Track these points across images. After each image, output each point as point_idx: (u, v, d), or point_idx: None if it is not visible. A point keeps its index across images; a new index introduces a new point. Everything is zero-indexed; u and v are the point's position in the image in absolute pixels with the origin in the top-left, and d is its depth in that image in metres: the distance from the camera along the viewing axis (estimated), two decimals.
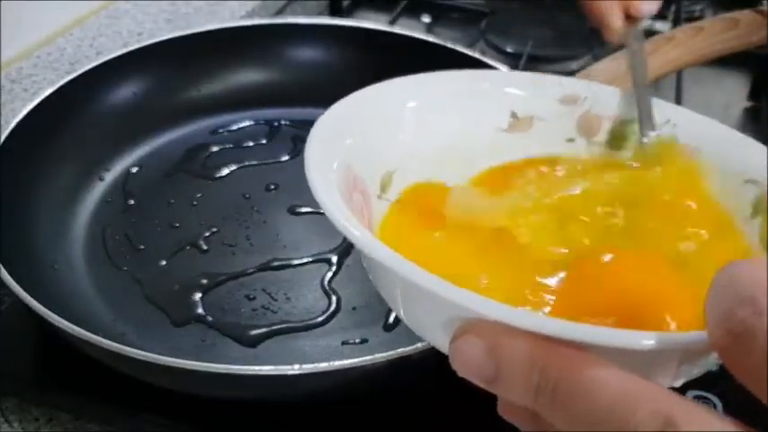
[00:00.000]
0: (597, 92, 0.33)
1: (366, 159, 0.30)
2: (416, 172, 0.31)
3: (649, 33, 0.56)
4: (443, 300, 0.21)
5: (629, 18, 0.38)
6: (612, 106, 0.33)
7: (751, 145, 0.30)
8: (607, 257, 0.27)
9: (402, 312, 0.26)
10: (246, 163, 0.59)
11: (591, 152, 0.33)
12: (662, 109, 0.33)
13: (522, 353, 0.21)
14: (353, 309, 0.48)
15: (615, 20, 0.38)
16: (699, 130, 0.32)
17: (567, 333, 0.20)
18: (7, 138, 0.52)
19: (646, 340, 0.20)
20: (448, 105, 0.33)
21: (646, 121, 0.33)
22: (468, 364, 0.22)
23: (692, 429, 0.19)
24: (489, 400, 0.43)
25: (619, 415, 0.19)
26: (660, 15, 0.79)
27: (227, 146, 0.61)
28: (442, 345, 0.23)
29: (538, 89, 0.33)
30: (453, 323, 0.22)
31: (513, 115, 0.33)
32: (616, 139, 0.33)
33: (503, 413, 0.24)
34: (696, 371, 0.23)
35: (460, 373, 0.22)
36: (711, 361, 0.22)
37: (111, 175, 0.58)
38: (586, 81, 0.34)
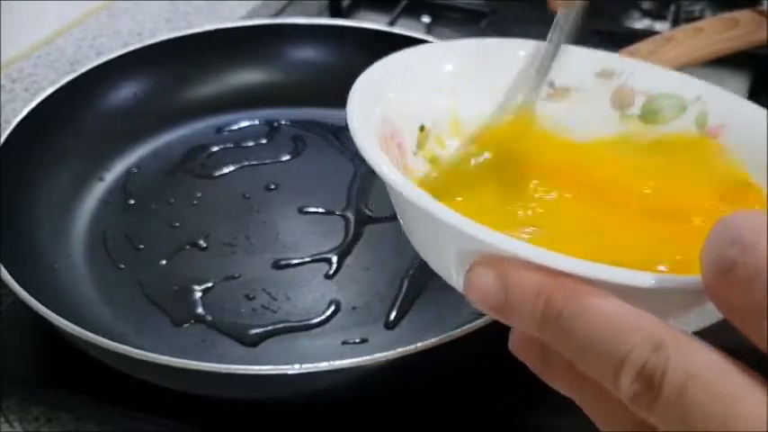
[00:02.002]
0: (633, 67, 0.34)
1: (404, 116, 0.31)
2: (452, 134, 0.33)
3: (649, 33, 0.56)
4: (460, 233, 0.23)
5: None
6: (647, 81, 0.34)
7: None
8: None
9: (425, 251, 0.28)
10: (246, 163, 0.59)
11: (624, 125, 0.34)
12: (692, 85, 0.34)
13: (530, 283, 0.22)
14: (353, 309, 0.48)
15: None
16: (727, 107, 0.33)
17: (569, 267, 0.22)
18: (8, 137, 0.52)
19: (643, 278, 0.21)
20: (484, 71, 0.34)
21: (540, 77, 0.34)
22: (480, 293, 0.23)
23: (680, 352, 0.20)
24: (489, 400, 0.43)
25: (614, 338, 0.21)
26: (660, 15, 0.79)
27: (228, 146, 0.61)
28: (458, 282, 0.25)
29: (575, 61, 0.34)
30: (469, 257, 0.24)
31: (551, 85, 0.34)
32: (649, 113, 0.34)
33: (513, 349, 0.26)
34: (707, 319, 0.24)
35: (473, 303, 0.24)
36: (708, 315, 0.23)
37: (112, 174, 0.58)
38: (623, 56, 0.35)
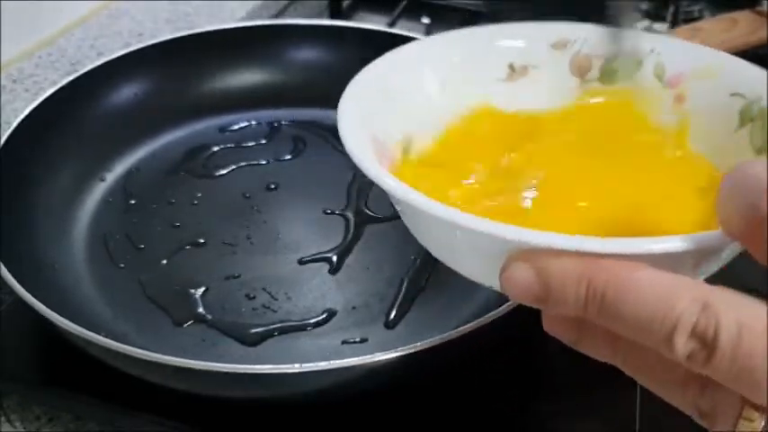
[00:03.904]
0: (585, 33, 0.35)
1: (388, 126, 0.32)
2: (433, 131, 0.34)
3: None
4: (489, 236, 0.23)
5: None
6: (601, 45, 0.35)
7: (736, 62, 0.32)
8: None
9: (442, 254, 0.28)
10: (247, 163, 0.60)
11: (585, 90, 0.35)
12: (645, 40, 0.34)
13: (569, 271, 0.23)
14: (353, 308, 0.48)
15: None
16: (682, 55, 0.33)
17: (606, 248, 0.23)
18: (8, 138, 0.52)
19: (674, 244, 0.22)
20: (452, 65, 0.35)
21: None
22: (521, 289, 0.24)
23: (728, 307, 0.21)
24: (489, 400, 0.43)
25: (661, 308, 0.21)
26: (659, 16, 0.79)
27: (228, 146, 0.61)
28: (491, 281, 0.26)
29: (530, 38, 0.35)
30: (501, 257, 0.24)
31: (510, 66, 0.35)
32: (607, 74, 0.35)
33: (548, 328, 0.27)
34: (713, 267, 0.26)
35: (514, 298, 0.24)
36: (724, 258, 0.25)
37: (113, 175, 0.58)
38: (573, 24, 0.36)
